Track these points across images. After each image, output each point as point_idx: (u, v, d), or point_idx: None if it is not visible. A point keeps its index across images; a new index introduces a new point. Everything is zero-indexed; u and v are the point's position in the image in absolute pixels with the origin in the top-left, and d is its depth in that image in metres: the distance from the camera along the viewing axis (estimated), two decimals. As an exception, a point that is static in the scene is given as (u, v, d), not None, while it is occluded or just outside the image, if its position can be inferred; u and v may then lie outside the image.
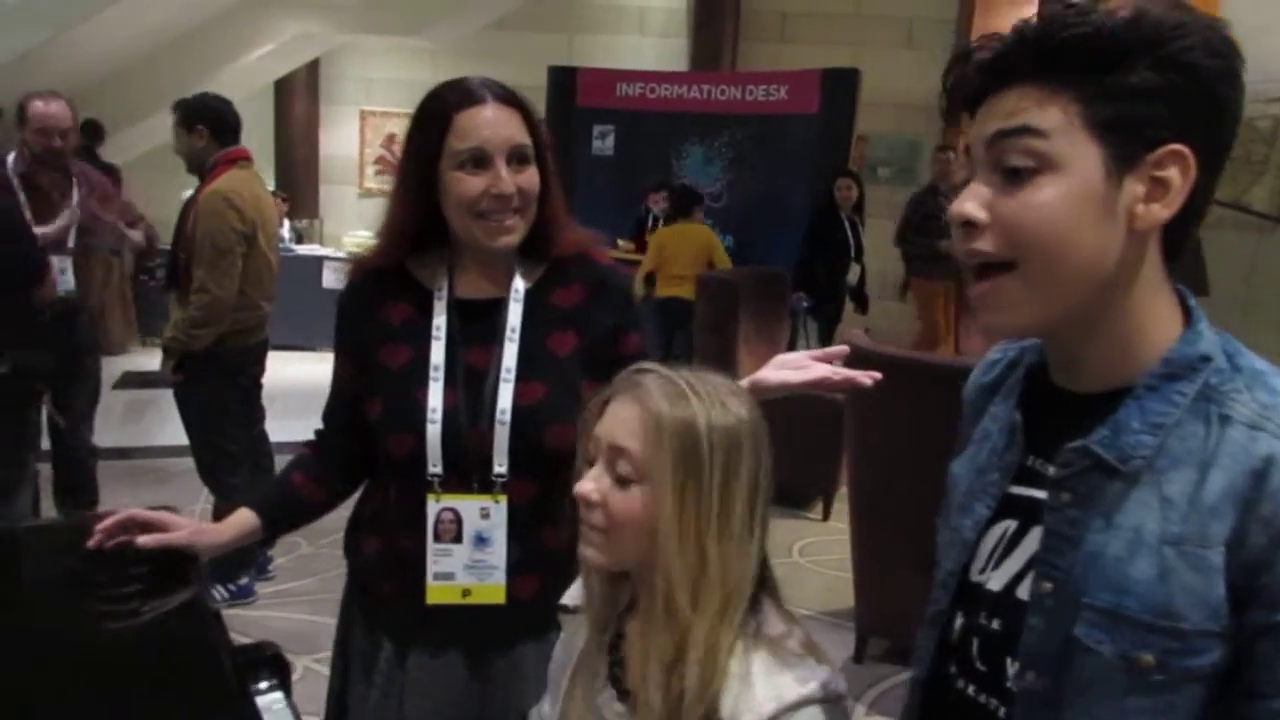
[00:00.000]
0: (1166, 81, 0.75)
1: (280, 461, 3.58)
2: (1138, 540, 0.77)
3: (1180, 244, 0.83)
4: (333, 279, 7.81)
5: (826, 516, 4.56)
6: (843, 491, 4.18)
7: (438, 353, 1.36)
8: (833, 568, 3.93)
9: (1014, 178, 0.78)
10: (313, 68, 9.05)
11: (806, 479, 4.51)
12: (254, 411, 3.60)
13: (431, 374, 1.34)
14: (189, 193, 3.38)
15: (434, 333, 1.36)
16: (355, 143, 9.52)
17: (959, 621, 0.92)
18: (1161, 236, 0.81)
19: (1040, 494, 0.85)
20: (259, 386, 3.60)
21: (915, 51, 8.07)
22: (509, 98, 1.33)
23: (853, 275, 6.51)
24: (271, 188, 6.37)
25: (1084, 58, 0.76)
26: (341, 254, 8.14)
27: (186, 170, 3.39)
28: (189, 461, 3.56)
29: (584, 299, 1.41)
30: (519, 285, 1.39)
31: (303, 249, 8.22)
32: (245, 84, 7.67)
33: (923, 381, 2.84)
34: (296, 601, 3.52)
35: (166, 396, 3.57)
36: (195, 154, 3.31)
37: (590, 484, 1.00)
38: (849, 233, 6.44)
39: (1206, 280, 3.55)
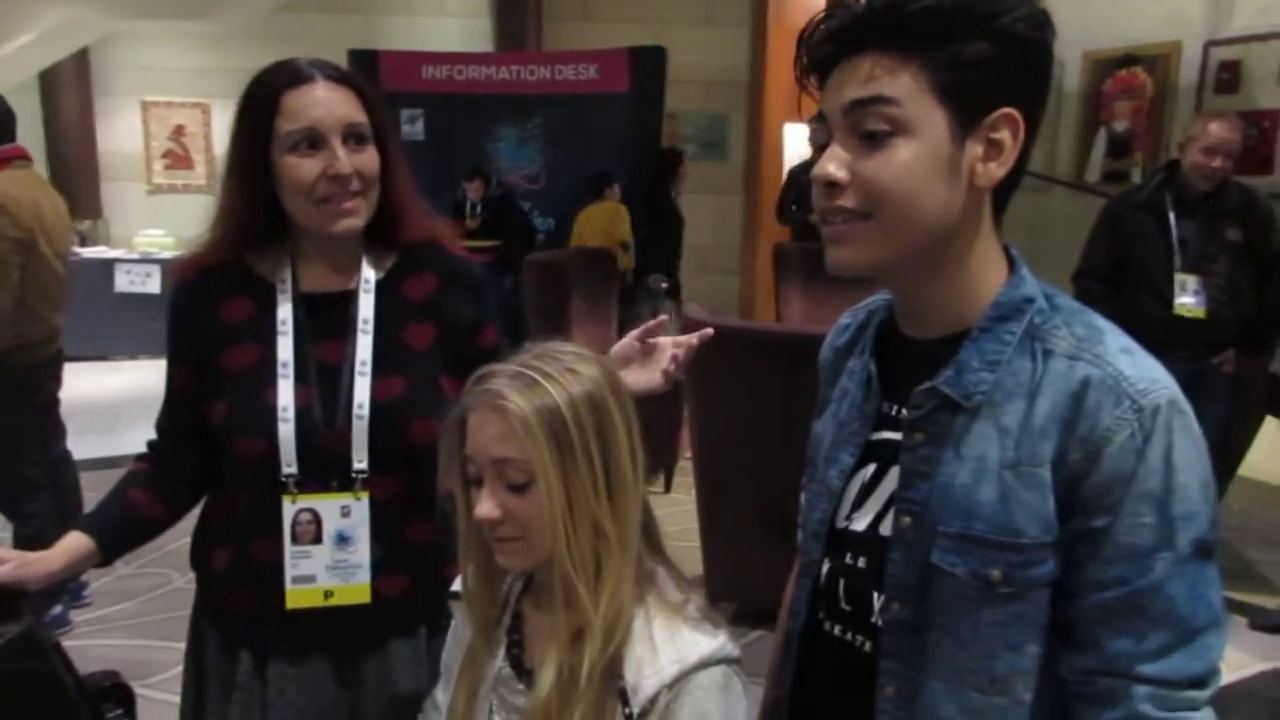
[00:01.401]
0: (997, 51, 0.82)
1: (86, 481, 3.35)
2: (981, 468, 0.85)
3: (1007, 199, 0.91)
4: (126, 282, 7.26)
5: (668, 489, 4.65)
6: (682, 464, 4.28)
7: (285, 349, 1.29)
8: (678, 539, 4.02)
9: (871, 141, 0.84)
10: (81, 57, 8.27)
11: (647, 454, 4.57)
12: (54, 431, 3.29)
13: (280, 371, 1.28)
14: None
15: (280, 328, 1.30)
16: (138, 136, 8.80)
17: (826, 566, 0.98)
18: (991, 193, 0.89)
19: (897, 436, 0.92)
20: (56, 403, 3.30)
21: (717, 28, 8.25)
22: (341, 77, 1.28)
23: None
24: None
25: (928, 29, 0.82)
26: (134, 255, 7.59)
27: (-48, 171, 3.05)
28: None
29: (438, 289, 1.38)
30: (369, 275, 1.34)
31: (89, 252, 7.57)
32: (3, 78, 6.93)
33: (762, 350, 2.95)
34: (118, 627, 3.30)
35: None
36: (-39, 154, 2.99)
37: (487, 505, 0.99)
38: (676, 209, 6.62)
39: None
